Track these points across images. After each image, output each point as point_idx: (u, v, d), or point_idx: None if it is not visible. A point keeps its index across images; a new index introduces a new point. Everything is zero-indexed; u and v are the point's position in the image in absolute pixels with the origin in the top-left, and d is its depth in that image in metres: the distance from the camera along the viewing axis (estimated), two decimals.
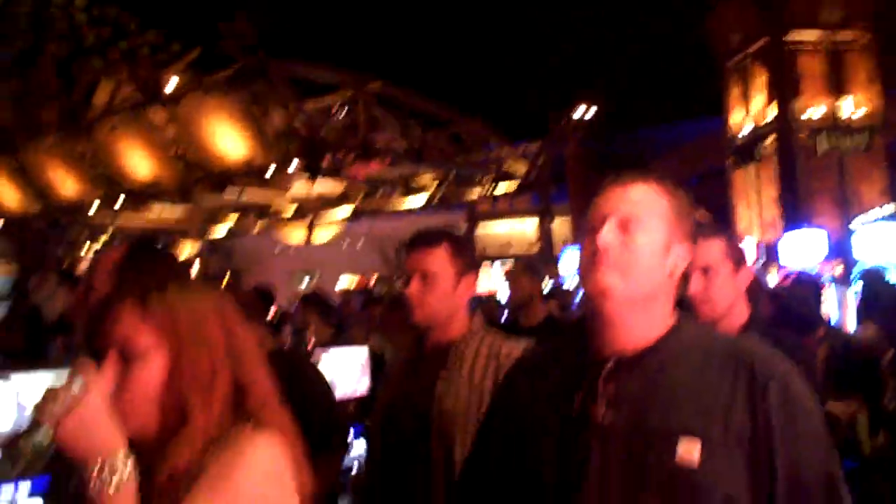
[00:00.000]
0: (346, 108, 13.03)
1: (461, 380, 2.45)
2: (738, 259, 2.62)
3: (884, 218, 12.95)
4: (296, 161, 11.62)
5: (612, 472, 1.47)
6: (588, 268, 1.54)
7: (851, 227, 13.39)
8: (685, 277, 2.26)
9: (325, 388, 3.14)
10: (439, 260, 2.50)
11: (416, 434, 2.44)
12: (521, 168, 16.17)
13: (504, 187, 15.28)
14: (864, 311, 4.41)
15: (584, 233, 1.58)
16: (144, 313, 1.37)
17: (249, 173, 12.09)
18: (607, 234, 1.52)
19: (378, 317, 5.88)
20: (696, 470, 1.42)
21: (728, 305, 2.54)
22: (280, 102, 11.12)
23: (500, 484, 1.69)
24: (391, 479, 2.51)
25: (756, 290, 2.96)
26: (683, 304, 1.83)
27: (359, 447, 3.94)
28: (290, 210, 16.53)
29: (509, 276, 4.70)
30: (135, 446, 1.30)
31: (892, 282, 4.38)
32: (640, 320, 1.55)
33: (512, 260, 13.92)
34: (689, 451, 1.43)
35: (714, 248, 2.51)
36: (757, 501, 1.46)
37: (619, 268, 1.51)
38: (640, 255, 1.52)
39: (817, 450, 1.49)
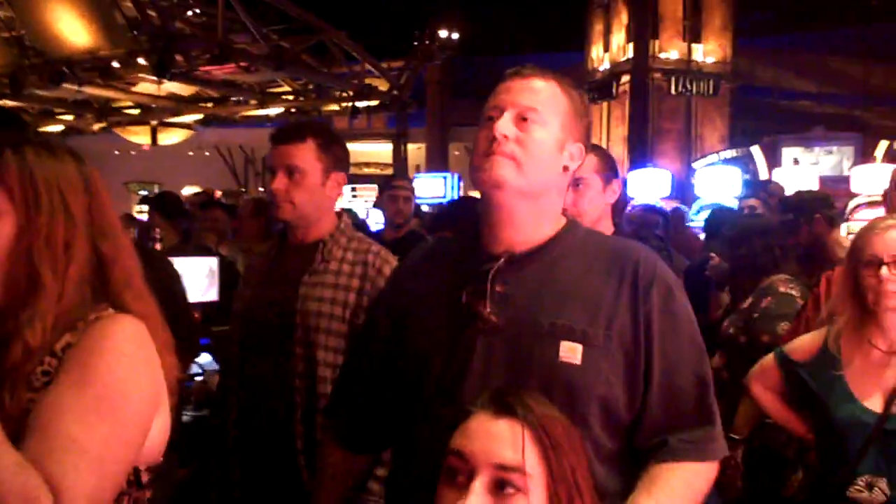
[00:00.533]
0: (204, 3, 12.23)
1: (327, 280, 2.37)
2: (608, 175, 2.67)
3: (723, 161, 13.69)
4: (144, 57, 10.81)
5: (494, 366, 1.47)
6: (483, 158, 1.52)
7: (694, 168, 14.11)
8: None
9: (181, 285, 2.99)
10: (307, 154, 2.39)
11: (278, 335, 2.36)
12: (382, 86, 15.85)
13: (365, 104, 14.94)
14: (709, 243, 4.62)
15: (482, 122, 1.56)
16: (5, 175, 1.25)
17: (92, 66, 11.14)
18: (505, 125, 1.51)
19: (230, 224, 5.64)
20: (577, 369, 1.45)
21: (596, 218, 2.60)
22: None
23: (383, 375, 1.66)
24: (249, 384, 2.41)
25: (622, 207, 3.04)
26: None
27: (201, 357, 3.85)
28: (134, 110, 15.52)
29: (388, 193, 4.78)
30: None
31: (735, 217, 4.61)
32: (531, 216, 1.55)
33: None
34: (571, 350, 1.45)
35: (587, 163, 2.54)
36: (632, 402, 1.50)
37: (515, 159, 1.50)
38: (536, 148, 1.51)
39: (692, 354, 1.54)
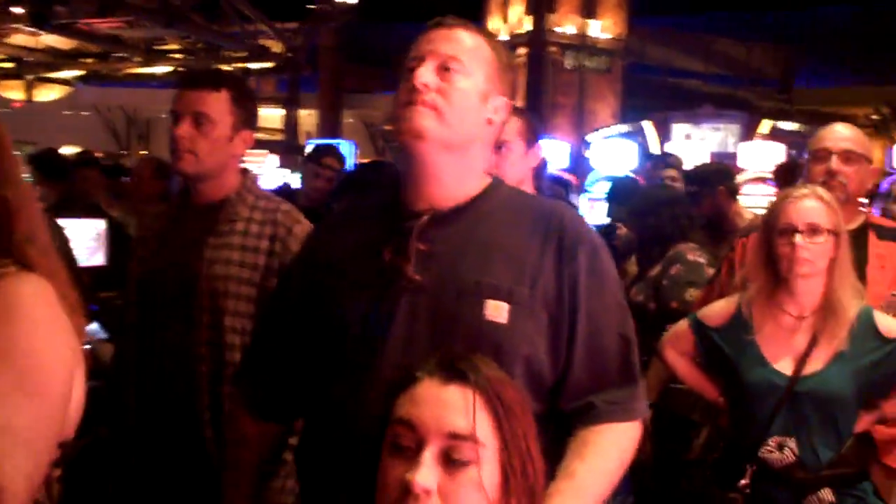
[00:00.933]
0: None
1: (233, 241, 2.22)
2: (530, 139, 2.66)
3: (618, 135, 14.04)
4: (21, 5, 10.11)
5: (419, 325, 1.43)
6: (404, 108, 1.47)
7: (587, 140, 14.40)
8: None
9: (69, 247, 2.78)
10: (219, 104, 2.22)
11: (181, 301, 2.20)
12: (275, 48, 15.41)
13: (257, 66, 14.49)
14: (614, 214, 4.68)
15: (403, 74, 1.50)
16: None
17: None
18: (426, 74, 1.46)
19: (123, 186, 5.34)
20: (503, 328, 1.42)
21: (518, 182, 2.57)
22: None
23: (296, 339, 1.59)
24: (149, 354, 2.25)
25: (542, 172, 3.04)
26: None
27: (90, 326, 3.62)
28: (7, 63, 14.54)
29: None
30: None
31: (645, 188, 4.70)
32: (455, 170, 1.50)
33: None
34: (497, 308, 1.43)
35: (510, 126, 2.48)
36: (556, 362, 1.48)
37: (436, 108, 1.45)
38: (459, 98, 1.47)
39: (617, 314, 1.53)
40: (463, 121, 1.48)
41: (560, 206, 1.60)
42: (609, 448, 1.47)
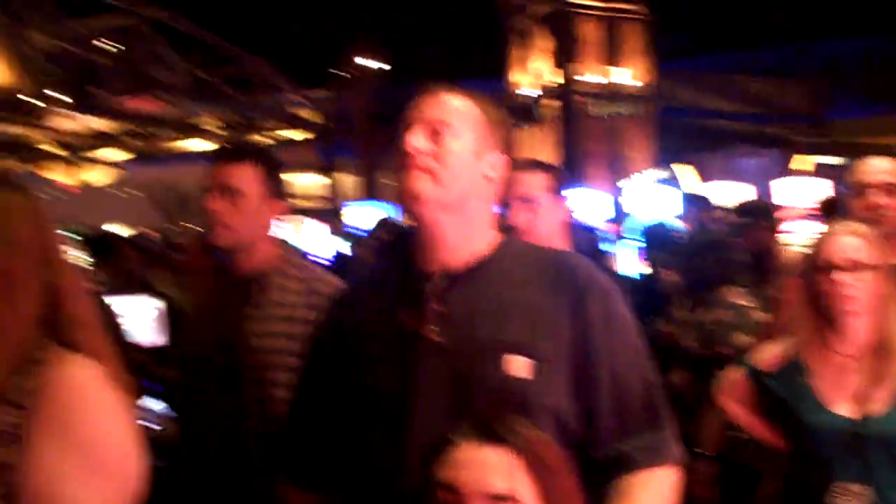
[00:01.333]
0: (122, 33, 11.95)
1: (274, 312, 2.26)
2: (558, 193, 2.68)
3: (657, 181, 14.02)
4: (60, 91, 10.47)
5: (443, 386, 1.46)
6: (400, 174, 1.53)
7: (623, 188, 14.37)
8: (506, 206, 2.39)
9: (118, 326, 2.84)
10: (246, 176, 2.29)
11: (227, 374, 2.24)
12: (309, 116, 15.75)
13: (292, 135, 14.81)
14: (653, 260, 4.66)
15: (397, 140, 1.57)
16: None
17: (5, 104, 10.74)
18: (415, 139, 1.52)
19: (176, 263, 5.43)
20: (526, 383, 1.44)
21: (550, 236, 2.58)
22: (45, 20, 9.95)
23: (330, 408, 1.62)
24: (200, 429, 2.28)
25: (574, 224, 3.05)
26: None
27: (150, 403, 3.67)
28: (53, 147, 15.02)
29: None
30: None
31: (673, 233, 4.69)
32: (458, 229, 1.55)
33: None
34: (519, 364, 1.45)
35: (536, 181, 2.57)
36: (581, 412, 1.50)
37: (430, 171, 1.51)
38: (451, 159, 1.53)
39: (636, 359, 1.55)
40: (458, 180, 1.54)
41: (571, 257, 1.64)
42: (647, 496, 1.48)
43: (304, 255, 2.53)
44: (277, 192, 2.37)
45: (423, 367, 1.48)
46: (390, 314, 1.54)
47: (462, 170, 1.54)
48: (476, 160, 1.56)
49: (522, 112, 17.94)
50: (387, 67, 17.01)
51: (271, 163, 2.39)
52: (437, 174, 1.52)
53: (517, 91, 18.22)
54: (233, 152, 2.36)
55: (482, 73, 20.62)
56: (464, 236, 1.56)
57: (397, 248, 1.74)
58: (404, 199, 1.54)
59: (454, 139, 1.54)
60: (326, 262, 4.91)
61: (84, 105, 10.55)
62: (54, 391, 1.15)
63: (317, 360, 1.71)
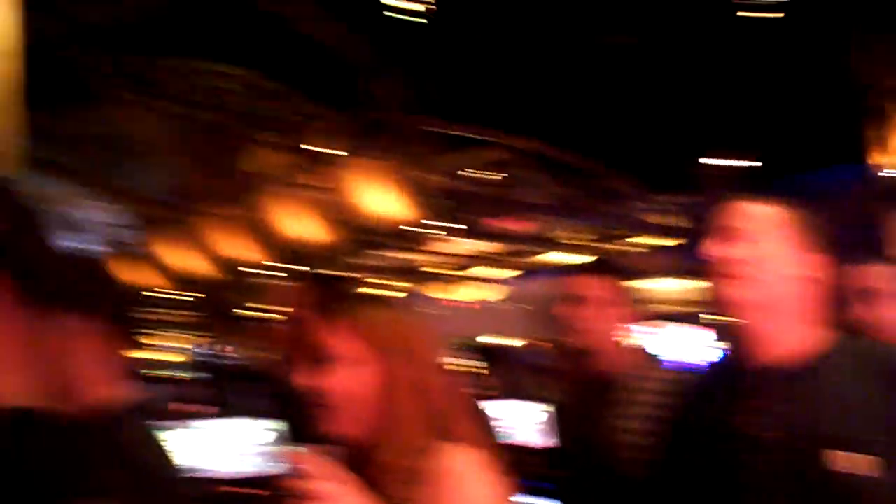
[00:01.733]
0: (502, 165, 13.17)
1: (636, 411, 2.45)
2: None
3: None
4: (448, 220, 11.82)
5: (776, 484, 1.50)
6: (714, 281, 1.64)
7: None
8: (844, 300, 2.36)
9: (493, 428, 3.21)
10: (594, 285, 2.55)
11: (596, 471, 2.46)
12: (670, 221, 15.76)
13: (655, 241, 14.93)
14: None
15: (700, 248, 1.69)
16: (355, 329, 1.50)
17: (395, 234, 12.32)
18: (724, 248, 1.62)
19: (559, 369, 5.85)
20: (862, 480, 1.44)
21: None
22: (436, 162, 11.40)
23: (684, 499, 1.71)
24: None
25: None
26: (851, 329, 1.90)
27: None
28: (444, 268, 16.70)
29: None
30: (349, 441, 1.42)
31: None
32: (777, 328, 1.60)
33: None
34: (855, 461, 1.45)
35: (873, 272, 2.52)
36: None
37: (741, 277, 1.59)
38: (758, 265, 1.60)
39: None
40: (767, 284, 1.60)
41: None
42: None
43: (659, 358, 2.73)
44: (625, 299, 2.61)
45: (755, 463, 1.54)
46: (722, 412, 1.63)
47: (771, 273, 1.62)
48: (786, 263, 1.63)
49: (888, 194, 16.15)
50: (751, 164, 16.49)
51: (620, 274, 2.66)
52: (748, 279, 1.61)
53: (880, 173, 16.49)
54: (587, 265, 2.65)
55: (843, 158, 18.98)
56: (783, 335, 1.62)
57: (728, 348, 1.87)
58: (722, 305, 1.65)
59: (759, 245, 1.63)
60: (689, 366, 4.91)
61: (471, 229, 11.77)
62: (437, 475, 1.38)
63: (669, 452, 1.82)
